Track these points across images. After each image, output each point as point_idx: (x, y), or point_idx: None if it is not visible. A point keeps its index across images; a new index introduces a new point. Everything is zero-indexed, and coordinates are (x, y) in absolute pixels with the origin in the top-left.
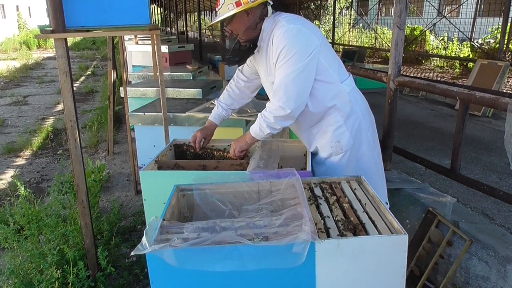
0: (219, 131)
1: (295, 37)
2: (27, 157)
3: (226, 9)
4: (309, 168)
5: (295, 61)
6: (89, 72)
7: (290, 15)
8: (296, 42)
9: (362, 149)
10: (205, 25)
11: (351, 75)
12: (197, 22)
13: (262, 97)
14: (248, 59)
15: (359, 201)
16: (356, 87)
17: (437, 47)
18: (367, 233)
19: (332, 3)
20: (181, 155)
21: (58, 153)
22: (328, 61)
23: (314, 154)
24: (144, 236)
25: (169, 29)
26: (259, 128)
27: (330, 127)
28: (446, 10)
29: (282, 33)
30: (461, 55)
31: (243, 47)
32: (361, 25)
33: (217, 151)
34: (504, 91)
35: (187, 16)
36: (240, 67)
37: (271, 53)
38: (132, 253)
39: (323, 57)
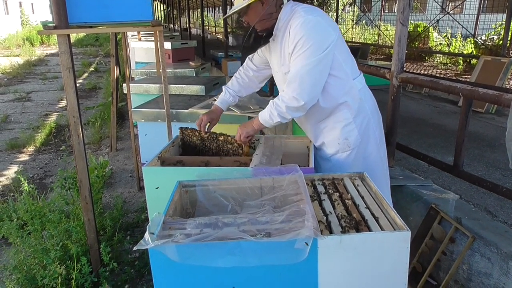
0: (221, 128)
1: (312, 29)
2: (30, 153)
3: (241, 0)
4: (311, 164)
5: (311, 53)
6: (92, 69)
7: (308, 6)
8: (314, 34)
9: (369, 148)
10: (207, 22)
11: (362, 73)
12: (200, 19)
13: (265, 93)
14: (259, 49)
15: (362, 197)
16: (366, 85)
17: (440, 44)
18: (369, 230)
19: None
20: (184, 143)
21: (61, 149)
22: (342, 56)
23: (319, 149)
24: (147, 231)
25: (172, 25)
26: (269, 115)
27: (339, 124)
28: (450, 6)
29: (300, 23)
30: (465, 52)
31: (258, 37)
32: (364, 21)
33: (221, 135)
34: (508, 87)
35: (190, 12)
36: (250, 56)
37: (287, 43)
38: (135, 249)
39: (338, 52)
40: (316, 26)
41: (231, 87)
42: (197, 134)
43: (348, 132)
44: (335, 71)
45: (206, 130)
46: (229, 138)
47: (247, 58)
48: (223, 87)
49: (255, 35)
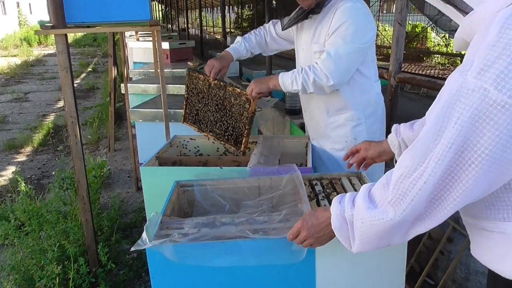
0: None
1: (361, 17)
2: (28, 153)
3: None
4: (309, 164)
5: (354, 38)
6: (90, 69)
7: None
8: (360, 22)
9: None
10: (206, 22)
11: (379, 79)
12: (198, 19)
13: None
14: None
15: None
16: (381, 92)
17: (438, 44)
18: None
19: None
20: (189, 88)
21: (58, 149)
22: (371, 56)
23: (321, 143)
24: (145, 231)
25: (170, 26)
26: (291, 80)
27: (351, 122)
28: None
29: (349, 7)
30: (463, 52)
31: (301, 11)
32: None
33: (230, 85)
34: None
35: (188, 13)
36: (274, 21)
37: (328, 23)
38: (133, 249)
39: (370, 52)
40: (364, 16)
41: (247, 41)
42: (205, 79)
43: (358, 132)
44: (363, 68)
45: (215, 76)
46: (238, 90)
47: (270, 23)
48: (239, 37)
49: (298, 10)
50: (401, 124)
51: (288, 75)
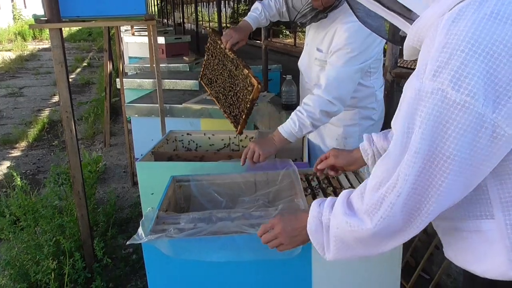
0: (215, 124)
1: (363, 38)
2: (23, 148)
3: None
4: (305, 159)
5: (355, 61)
6: (85, 64)
7: None
8: (362, 44)
9: None
10: (201, 17)
11: (384, 82)
12: (194, 14)
13: None
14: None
15: None
16: (383, 98)
17: None
18: None
19: None
20: (208, 48)
21: (54, 144)
22: (375, 68)
23: (315, 139)
24: (141, 226)
25: (166, 20)
26: (300, 126)
27: (343, 121)
28: None
29: (350, 27)
30: None
31: (313, 11)
32: None
33: (247, 68)
34: None
35: (184, 7)
36: None
37: (331, 36)
38: (128, 243)
39: (374, 64)
40: (367, 35)
41: (268, 9)
42: (222, 47)
43: (350, 132)
44: (365, 80)
45: (231, 48)
46: (246, 71)
47: None
48: (258, 3)
49: (310, 9)
50: (374, 134)
51: (291, 125)
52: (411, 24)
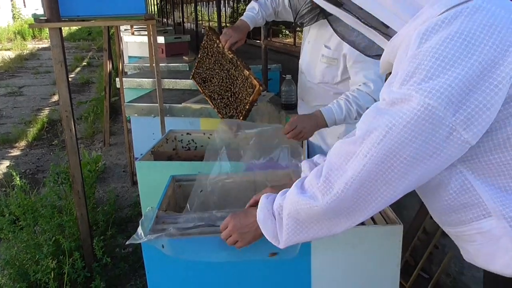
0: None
1: None
2: (23, 148)
3: None
4: (305, 158)
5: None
6: (85, 63)
7: None
8: None
9: None
10: (201, 17)
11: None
12: (193, 13)
13: None
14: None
15: None
16: None
17: None
18: (362, 223)
19: None
20: (203, 47)
21: (53, 143)
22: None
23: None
24: (140, 226)
25: (165, 20)
26: (348, 111)
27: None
28: None
29: None
30: None
31: (313, 11)
32: None
33: (248, 69)
34: None
35: (184, 7)
36: None
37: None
38: (128, 242)
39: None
40: None
41: (264, 9)
42: (220, 45)
43: (351, 131)
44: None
45: (230, 48)
46: (246, 73)
47: None
48: (254, 3)
49: (310, 7)
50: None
51: (337, 109)
52: (388, 40)
